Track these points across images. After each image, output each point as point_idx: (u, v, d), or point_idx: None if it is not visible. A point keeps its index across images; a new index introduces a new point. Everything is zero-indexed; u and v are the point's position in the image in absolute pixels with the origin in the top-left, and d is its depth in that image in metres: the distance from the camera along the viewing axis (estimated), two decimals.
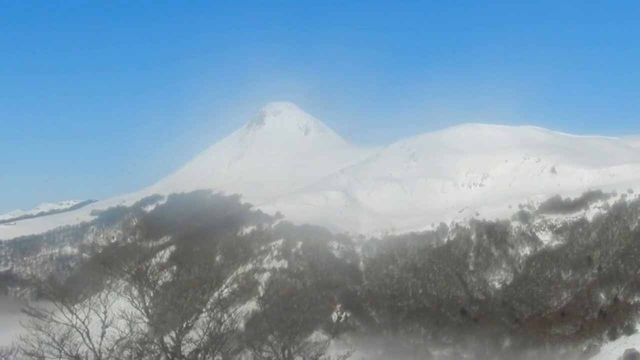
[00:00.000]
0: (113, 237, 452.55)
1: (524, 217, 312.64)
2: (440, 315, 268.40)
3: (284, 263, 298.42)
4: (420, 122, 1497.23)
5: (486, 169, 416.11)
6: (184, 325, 36.90)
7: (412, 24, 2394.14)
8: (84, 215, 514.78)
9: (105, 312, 35.85)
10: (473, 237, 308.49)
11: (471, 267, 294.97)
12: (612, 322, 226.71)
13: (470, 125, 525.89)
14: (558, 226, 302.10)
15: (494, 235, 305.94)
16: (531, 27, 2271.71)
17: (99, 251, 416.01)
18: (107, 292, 37.50)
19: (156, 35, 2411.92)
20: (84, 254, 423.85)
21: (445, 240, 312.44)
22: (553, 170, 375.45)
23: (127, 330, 35.98)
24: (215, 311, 38.35)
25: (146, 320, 36.91)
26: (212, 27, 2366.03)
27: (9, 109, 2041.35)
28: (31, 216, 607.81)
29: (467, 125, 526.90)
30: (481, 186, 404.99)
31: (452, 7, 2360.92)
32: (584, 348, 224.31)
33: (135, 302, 37.00)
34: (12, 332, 34.47)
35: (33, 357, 33.29)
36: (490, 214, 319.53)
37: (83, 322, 35.25)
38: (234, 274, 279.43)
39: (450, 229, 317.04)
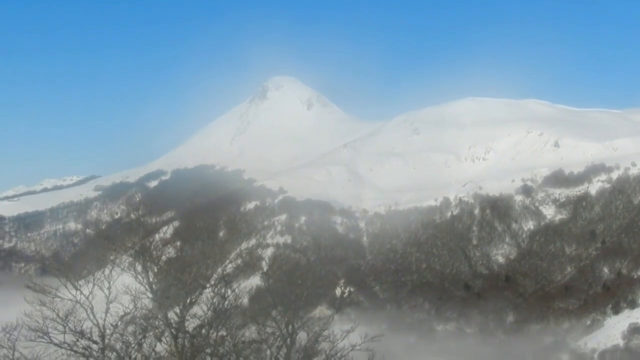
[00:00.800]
0: (116, 213, 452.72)
1: (527, 191, 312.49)
2: (444, 290, 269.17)
3: (287, 238, 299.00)
4: (423, 96, 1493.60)
5: (489, 143, 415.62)
6: (188, 300, 36.85)
7: None
8: (88, 191, 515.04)
9: (109, 288, 35.82)
10: (476, 211, 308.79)
11: (475, 242, 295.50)
12: (615, 296, 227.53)
13: (473, 99, 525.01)
14: (561, 200, 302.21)
15: (498, 209, 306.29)
16: (534, 1, 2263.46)
17: (103, 227, 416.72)
18: (110, 268, 37.42)
19: (158, 9, 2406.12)
20: (87, 230, 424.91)
21: (449, 214, 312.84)
22: (556, 144, 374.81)
23: (131, 306, 35.96)
24: (219, 287, 38.27)
25: (150, 296, 36.87)
26: (213, 1, 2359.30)
27: (12, 84, 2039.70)
28: (34, 192, 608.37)
29: (470, 99, 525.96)
30: (484, 160, 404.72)
31: None
32: (588, 322, 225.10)
33: (139, 277, 36.93)
34: (17, 308, 34.46)
35: (37, 332, 33.28)
36: (493, 188, 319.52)
37: (87, 298, 35.23)
38: (238, 249, 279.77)
39: (453, 204, 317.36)
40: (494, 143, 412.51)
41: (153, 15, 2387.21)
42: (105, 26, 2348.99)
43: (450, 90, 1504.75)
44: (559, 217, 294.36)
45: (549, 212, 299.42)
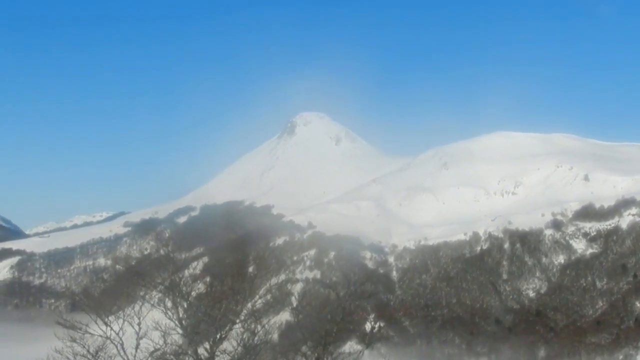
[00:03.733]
0: (146, 249, 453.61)
1: (557, 225, 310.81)
2: (475, 325, 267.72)
3: (316, 273, 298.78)
4: (450, 131, 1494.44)
5: (518, 177, 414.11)
6: (218, 336, 36.91)
7: (441, 31, 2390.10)
8: (117, 227, 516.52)
9: (139, 324, 35.93)
10: (506, 245, 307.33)
11: (505, 276, 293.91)
12: None
13: (502, 134, 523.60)
14: (592, 234, 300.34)
15: (527, 243, 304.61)
16: (562, 34, 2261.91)
17: (132, 263, 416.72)
18: (140, 303, 37.59)
19: (187, 47, 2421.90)
20: (117, 266, 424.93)
21: (479, 249, 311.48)
22: (586, 178, 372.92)
23: (161, 342, 36.05)
24: (249, 322, 38.35)
25: (180, 331, 36.98)
26: (242, 39, 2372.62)
27: (42, 121, 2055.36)
28: (65, 228, 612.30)
29: (499, 134, 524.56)
30: (514, 194, 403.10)
31: (483, 11, 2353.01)
32: (620, 357, 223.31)
33: (169, 313, 37.07)
34: (47, 344, 34.64)
35: None
36: (523, 223, 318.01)
37: (117, 334, 35.37)
38: (267, 284, 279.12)
39: (483, 238, 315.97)
40: (524, 177, 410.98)
41: (184, 50, 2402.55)
42: (134, 64, 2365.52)
43: (478, 125, 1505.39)
44: (589, 251, 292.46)
45: (580, 246, 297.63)
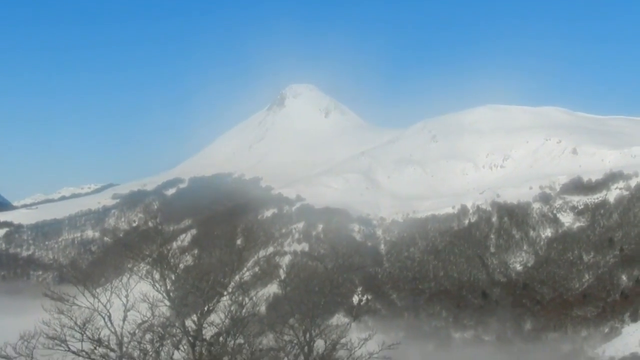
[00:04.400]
0: (134, 221, 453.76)
1: (545, 198, 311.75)
2: (462, 298, 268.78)
3: (304, 246, 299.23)
4: (440, 103, 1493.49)
5: (507, 150, 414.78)
6: (206, 308, 36.90)
7: (432, 4, 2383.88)
8: (105, 199, 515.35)
9: (126, 296, 35.89)
10: (494, 219, 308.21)
11: (492, 249, 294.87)
12: (634, 304, 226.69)
13: (491, 107, 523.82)
14: (579, 207, 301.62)
15: (515, 217, 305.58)
16: (553, 7, 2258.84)
17: (121, 235, 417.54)
18: (128, 275, 37.54)
19: (178, 19, 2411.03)
20: (105, 238, 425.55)
21: (466, 222, 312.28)
22: (574, 152, 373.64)
23: (148, 314, 36.00)
24: (236, 294, 38.31)
25: (168, 303, 36.95)
26: (231, 8, 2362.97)
27: (30, 92, 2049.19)
28: (53, 200, 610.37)
29: (488, 107, 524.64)
30: (502, 168, 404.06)
31: None
32: (606, 330, 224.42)
33: (157, 285, 37.01)
34: (35, 316, 34.56)
35: (55, 340, 33.35)
36: (511, 196, 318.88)
37: (105, 306, 35.32)
38: (255, 257, 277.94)
39: (471, 211, 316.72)
40: (512, 150, 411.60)
41: (169, 23, 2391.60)
42: (121, 36, 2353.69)
43: (468, 97, 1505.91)
44: (577, 224, 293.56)
45: (567, 219, 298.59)
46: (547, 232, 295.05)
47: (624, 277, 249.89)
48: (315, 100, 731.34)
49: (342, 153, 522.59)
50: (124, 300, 35.96)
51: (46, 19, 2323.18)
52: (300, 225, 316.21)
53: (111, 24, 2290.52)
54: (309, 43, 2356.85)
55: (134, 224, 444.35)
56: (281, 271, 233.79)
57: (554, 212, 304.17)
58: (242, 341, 37.21)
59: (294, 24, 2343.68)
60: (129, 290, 36.11)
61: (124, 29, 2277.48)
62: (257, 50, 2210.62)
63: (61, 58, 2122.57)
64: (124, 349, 34.88)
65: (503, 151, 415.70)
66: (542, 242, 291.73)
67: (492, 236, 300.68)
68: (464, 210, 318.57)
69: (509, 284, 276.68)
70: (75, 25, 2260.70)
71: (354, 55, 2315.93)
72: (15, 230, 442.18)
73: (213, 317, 37.13)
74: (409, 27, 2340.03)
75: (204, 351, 36.23)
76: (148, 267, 38.18)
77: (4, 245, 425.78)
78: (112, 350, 34.62)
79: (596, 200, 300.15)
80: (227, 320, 37.07)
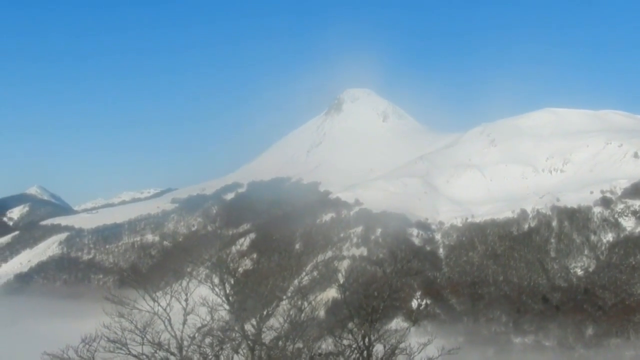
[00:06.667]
0: (193, 225, 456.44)
1: (606, 202, 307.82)
2: (522, 303, 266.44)
3: (363, 250, 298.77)
4: (499, 107, 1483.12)
5: (567, 154, 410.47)
6: (265, 312, 37.05)
7: (487, 8, 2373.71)
8: (165, 204, 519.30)
9: (186, 300, 36.15)
10: (554, 223, 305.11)
11: (552, 254, 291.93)
12: None
13: (550, 110, 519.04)
14: None
15: (576, 221, 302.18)
16: (609, 10, 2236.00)
17: (180, 239, 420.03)
18: (188, 279, 37.82)
19: (235, 25, 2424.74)
20: (165, 242, 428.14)
21: (526, 226, 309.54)
22: (636, 155, 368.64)
23: (208, 318, 36.24)
24: (295, 299, 38.42)
25: (227, 307, 37.14)
26: (290, 15, 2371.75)
27: (92, 99, 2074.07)
28: (113, 205, 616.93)
29: (547, 110, 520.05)
30: (562, 172, 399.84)
31: None
32: None
33: (216, 289, 37.23)
34: (96, 320, 34.92)
35: (116, 344, 33.69)
36: (571, 200, 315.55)
37: (165, 310, 35.63)
38: (314, 261, 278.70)
39: (530, 215, 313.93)
40: (572, 154, 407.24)
41: (233, 29, 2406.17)
42: (185, 40, 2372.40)
43: (526, 101, 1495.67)
44: (638, 229, 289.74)
45: (629, 223, 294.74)
46: (609, 237, 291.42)
47: None
48: (372, 105, 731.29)
49: (400, 157, 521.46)
50: (184, 304, 36.23)
51: (110, 26, 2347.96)
52: (359, 229, 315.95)
53: (167, 31, 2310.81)
54: (366, 47, 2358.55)
55: (193, 228, 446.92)
56: (340, 275, 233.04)
57: (615, 216, 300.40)
58: (301, 345, 37.27)
59: (351, 28, 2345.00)
60: (188, 294, 36.36)
61: (184, 32, 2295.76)
62: (315, 55, 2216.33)
63: (125, 64, 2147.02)
64: (184, 353, 35.12)
65: (563, 155, 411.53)
66: (603, 247, 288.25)
67: (553, 241, 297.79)
68: (523, 215, 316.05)
69: (569, 289, 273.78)
70: (134, 30, 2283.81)
71: (411, 59, 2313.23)
72: (76, 234, 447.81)
73: (272, 321, 37.25)
74: (466, 31, 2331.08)
75: (263, 355, 36.34)
76: (207, 271, 38.46)
77: (65, 249, 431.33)
78: (172, 353, 34.88)
79: None
80: (286, 325, 37.17)
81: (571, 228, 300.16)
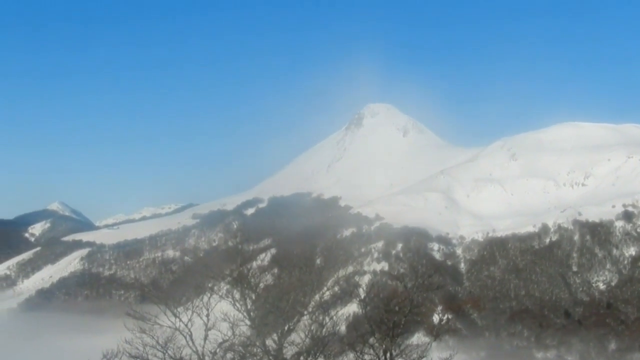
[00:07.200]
0: (214, 241, 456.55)
1: (628, 216, 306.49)
2: (544, 317, 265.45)
3: (384, 265, 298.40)
4: (518, 121, 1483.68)
5: (588, 168, 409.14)
6: (286, 328, 37.02)
7: (507, 22, 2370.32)
8: (185, 219, 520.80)
9: (207, 315, 36.17)
10: (576, 237, 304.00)
11: (574, 268, 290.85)
12: None
13: (571, 124, 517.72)
14: None
15: (598, 235, 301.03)
16: (635, 23, 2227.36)
17: (201, 254, 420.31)
18: (209, 295, 37.82)
19: (254, 40, 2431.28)
20: (185, 258, 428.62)
21: (548, 240, 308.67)
22: None
23: (229, 333, 36.23)
24: (316, 314, 38.40)
25: (248, 323, 37.15)
26: (309, 30, 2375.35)
27: (113, 113, 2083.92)
28: (134, 220, 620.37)
29: (568, 124, 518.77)
30: (583, 186, 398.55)
31: (549, 2, 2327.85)
32: None
33: (237, 305, 37.26)
34: (117, 335, 35.00)
35: (138, 359, 33.75)
36: (593, 214, 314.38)
37: (186, 325, 35.65)
38: (335, 276, 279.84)
39: (552, 230, 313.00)
40: (594, 168, 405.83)
41: (248, 44, 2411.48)
42: (202, 57, 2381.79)
43: (547, 115, 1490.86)
44: None
45: None
46: (631, 251, 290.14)
47: None
48: (393, 120, 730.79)
49: (421, 172, 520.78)
50: (205, 319, 36.26)
51: (131, 40, 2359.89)
52: (380, 244, 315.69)
53: (190, 46, 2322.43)
54: (386, 63, 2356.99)
55: (214, 244, 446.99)
56: (361, 290, 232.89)
57: (638, 230, 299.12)
58: None
59: (371, 44, 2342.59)
60: (209, 310, 36.40)
61: (201, 47, 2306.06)
62: (335, 71, 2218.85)
63: (147, 80, 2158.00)
64: None
65: (584, 169, 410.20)
66: (625, 261, 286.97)
67: (575, 255, 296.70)
68: (545, 229, 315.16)
69: (592, 303, 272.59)
70: (156, 47, 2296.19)
71: (431, 73, 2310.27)
72: (97, 250, 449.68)
73: (293, 337, 37.23)
74: (485, 46, 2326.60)
75: None
76: (228, 286, 38.50)
77: (86, 264, 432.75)
78: None
79: None
80: (307, 340, 37.12)
81: (593, 242, 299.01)
